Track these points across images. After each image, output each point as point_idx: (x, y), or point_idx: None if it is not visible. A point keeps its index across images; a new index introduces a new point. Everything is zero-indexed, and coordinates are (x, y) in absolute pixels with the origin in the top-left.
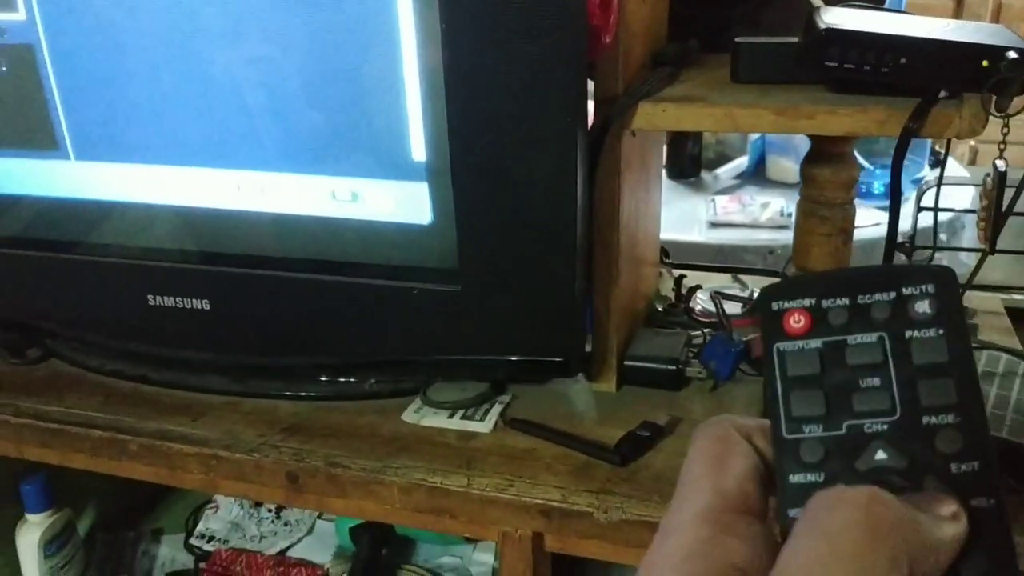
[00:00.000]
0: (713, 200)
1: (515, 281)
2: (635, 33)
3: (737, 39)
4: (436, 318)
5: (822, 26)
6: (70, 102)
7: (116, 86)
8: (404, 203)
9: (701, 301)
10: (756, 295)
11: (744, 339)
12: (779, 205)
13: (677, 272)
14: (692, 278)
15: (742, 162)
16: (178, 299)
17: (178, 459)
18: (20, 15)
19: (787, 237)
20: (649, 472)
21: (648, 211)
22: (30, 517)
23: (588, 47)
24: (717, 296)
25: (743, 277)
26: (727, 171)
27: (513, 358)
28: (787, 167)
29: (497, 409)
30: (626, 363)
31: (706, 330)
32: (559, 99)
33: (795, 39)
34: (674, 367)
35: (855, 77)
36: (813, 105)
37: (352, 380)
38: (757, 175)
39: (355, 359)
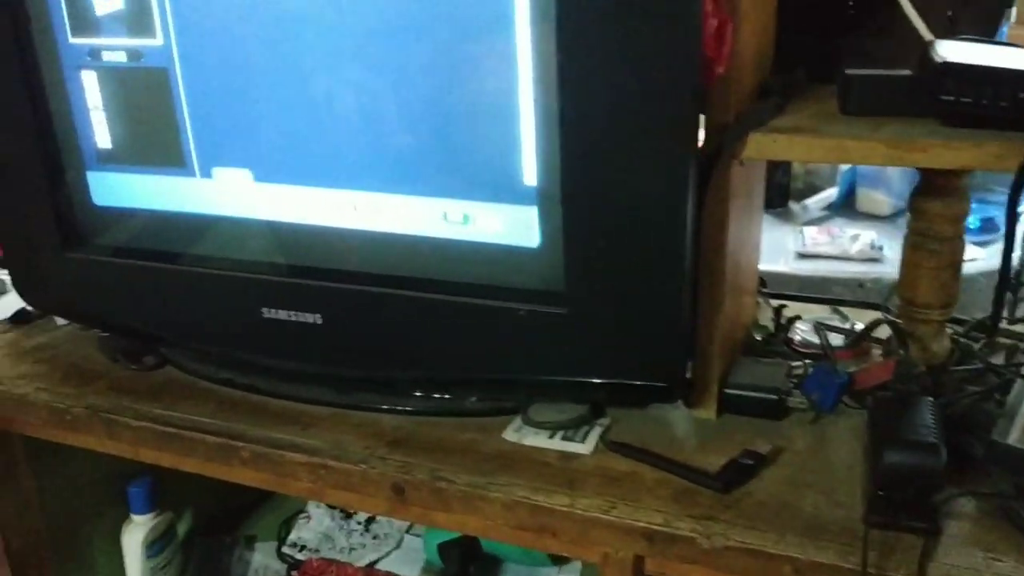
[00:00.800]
0: (802, 231)
1: (621, 306)
2: (745, 63)
3: (847, 70)
4: (540, 339)
5: (938, 60)
6: (198, 123)
7: (241, 108)
8: (513, 226)
9: (801, 332)
10: (859, 328)
11: (848, 371)
12: (869, 237)
13: (775, 302)
14: (790, 308)
15: (831, 193)
16: (291, 312)
17: (288, 467)
18: (158, 40)
19: (878, 270)
20: (751, 500)
21: (749, 240)
22: (135, 518)
23: (702, 77)
24: (820, 327)
25: (842, 309)
26: (816, 202)
27: (616, 381)
28: (878, 199)
29: (597, 431)
30: (727, 391)
31: (807, 361)
32: (672, 127)
33: (906, 72)
34: (775, 396)
35: (971, 111)
36: (927, 138)
37: (454, 397)
38: (846, 207)
39: (458, 376)
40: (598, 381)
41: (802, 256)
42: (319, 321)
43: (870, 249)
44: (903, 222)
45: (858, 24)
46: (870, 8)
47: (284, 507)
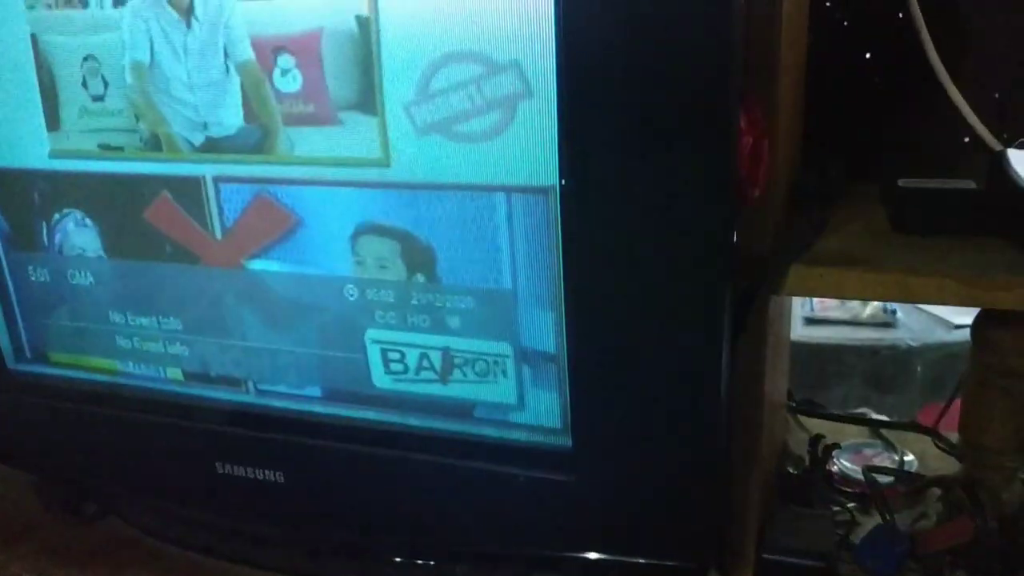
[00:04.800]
0: None
1: (641, 469)
2: (780, 178)
3: (900, 183)
4: (541, 507)
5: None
6: None
7: None
8: None
9: (841, 464)
10: (909, 461)
11: (907, 528)
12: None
13: (811, 428)
14: (816, 425)
15: None
16: (249, 469)
17: None
18: None
19: (891, 336)
20: None
21: (781, 360)
22: None
23: (737, 202)
24: (869, 473)
25: (886, 432)
26: None
27: (635, 560)
28: None
29: None
30: (765, 556)
31: (851, 505)
32: (705, 263)
33: (971, 185)
34: (824, 564)
35: None
36: (1008, 274)
37: (439, 566)
38: None
39: (442, 548)
40: (613, 558)
41: (810, 322)
42: (281, 480)
43: (883, 313)
44: None
45: (893, 106)
46: (906, 88)
47: None
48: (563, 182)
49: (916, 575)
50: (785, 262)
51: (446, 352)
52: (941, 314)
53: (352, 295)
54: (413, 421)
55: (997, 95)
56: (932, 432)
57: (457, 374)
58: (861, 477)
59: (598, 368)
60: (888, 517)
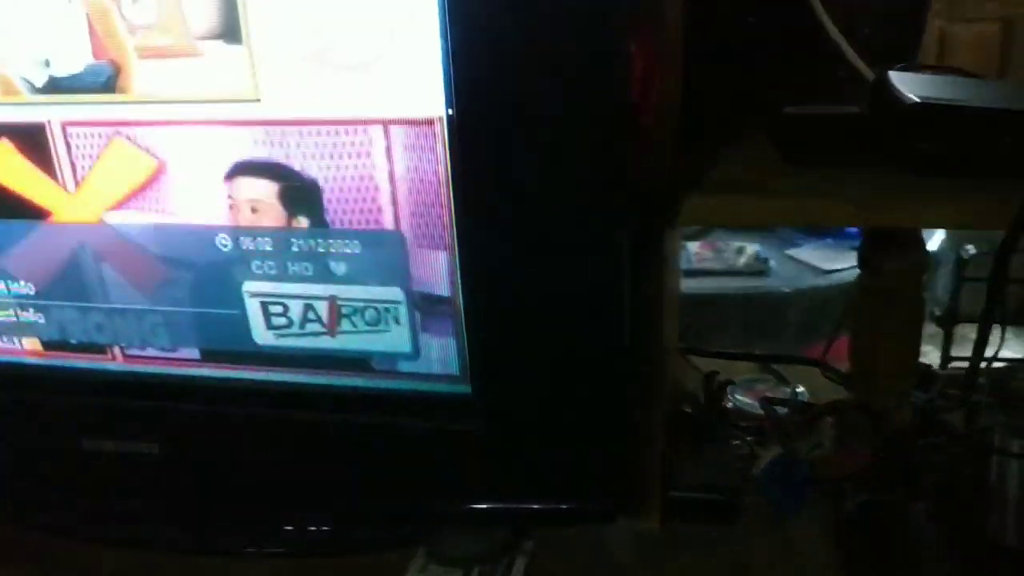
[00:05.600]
0: (685, 246)
1: (544, 413)
2: (669, 107)
3: (787, 109)
4: (444, 460)
5: (909, 100)
6: None
7: None
8: None
9: (736, 400)
10: (801, 392)
11: (806, 457)
12: (754, 249)
13: (701, 366)
14: (707, 365)
15: None
16: (119, 443)
17: None
18: None
19: (765, 284)
20: None
21: (672, 300)
22: None
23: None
24: (767, 404)
25: (777, 367)
26: None
27: (544, 505)
28: None
29: (521, 563)
30: (670, 494)
31: (749, 438)
32: (599, 194)
33: (853, 109)
34: (728, 498)
35: (945, 159)
36: (903, 196)
37: (337, 530)
38: None
39: (342, 509)
40: (521, 506)
41: (688, 273)
42: (155, 451)
43: (756, 262)
44: (783, 231)
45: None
46: (783, 23)
47: None
48: (450, 112)
49: (818, 502)
50: (680, 192)
51: (332, 301)
52: (812, 261)
53: (226, 245)
54: (301, 378)
55: (867, 30)
56: (820, 363)
57: (346, 324)
58: (757, 411)
59: (495, 310)
60: (787, 447)
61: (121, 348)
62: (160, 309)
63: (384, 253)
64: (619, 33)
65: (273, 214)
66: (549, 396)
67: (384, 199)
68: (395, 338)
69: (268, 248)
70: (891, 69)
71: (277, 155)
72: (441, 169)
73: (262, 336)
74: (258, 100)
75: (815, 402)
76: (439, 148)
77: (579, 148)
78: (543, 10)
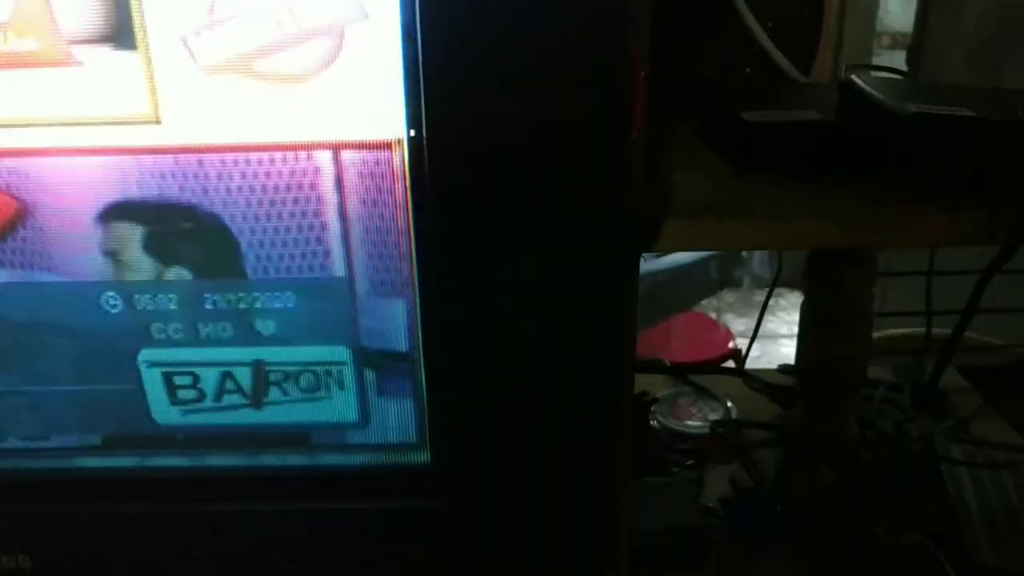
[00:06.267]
0: None
1: (521, 482)
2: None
3: (745, 116)
4: (405, 543)
5: (906, 111)
6: None
7: None
8: None
9: (662, 420)
10: (730, 408)
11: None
12: None
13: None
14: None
15: None
16: None
17: None
18: None
19: (667, 262)
20: None
21: None
22: None
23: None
24: (716, 427)
25: (695, 378)
26: None
27: None
28: None
29: None
30: (638, 543)
31: (689, 463)
32: (597, 231)
33: (815, 115)
34: (700, 542)
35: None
36: (895, 213)
37: None
38: None
39: None
40: None
41: None
42: (28, 565)
43: None
44: None
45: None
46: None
47: None
48: (412, 133)
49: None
50: (660, 215)
51: (258, 367)
52: None
53: (115, 306)
54: (214, 461)
55: (770, 24)
56: (743, 373)
57: (275, 394)
58: (688, 431)
59: (464, 364)
60: (748, 475)
61: None
62: (24, 389)
63: (327, 305)
64: (615, 38)
65: (177, 265)
66: (527, 462)
67: (332, 239)
68: (338, 405)
69: (172, 307)
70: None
71: (185, 192)
72: (401, 201)
73: (164, 414)
74: (158, 122)
75: (750, 419)
76: (397, 175)
77: (568, 173)
78: (529, 9)
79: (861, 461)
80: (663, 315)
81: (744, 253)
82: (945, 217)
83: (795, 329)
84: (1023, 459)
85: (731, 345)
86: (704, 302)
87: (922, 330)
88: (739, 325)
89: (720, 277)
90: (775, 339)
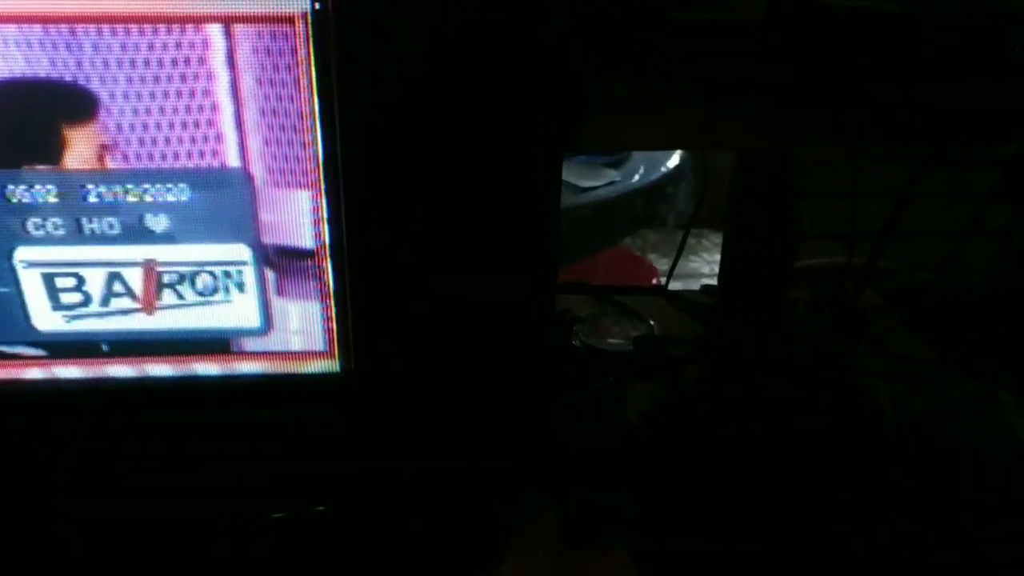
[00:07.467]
0: None
1: (439, 389)
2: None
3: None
4: (312, 454)
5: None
6: None
7: None
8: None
9: (584, 338)
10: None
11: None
12: None
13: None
14: None
15: None
16: None
17: None
18: None
19: (590, 196)
20: None
21: None
22: None
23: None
24: (642, 343)
25: (619, 298)
26: None
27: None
28: None
29: None
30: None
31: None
32: (520, 112)
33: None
34: (619, 456)
35: None
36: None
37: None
38: None
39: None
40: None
41: None
42: None
43: None
44: None
45: None
46: None
47: None
48: (317, 7)
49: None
50: (583, 112)
51: (150, 267)
52: (569, 179)
53: None
54: (113, 371)
55: None
56: (666, 292)
57: (169, 297)
58: (611, 350)
59: (375, 262)
60: (678, 392)
61: None
62: None
63: (222, 197)
64: None
65: (60, 151)
66: (442, 369)
67: (224, 123)
68: (237, 309)
69: (52, 200)
70: None
71: (63, 66)
72: (304, 81)
73: (47, 320)
74: None
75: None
76: (301, 53)
77: (489, 55)
78: None
79: (784, 373)
80: (587, 252)
81: (669, 189)
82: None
83: (716, 268)
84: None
85: (655, 281)
86: (628, 240)
87: (840, 259)
88: (662, 265)
89: (644, 214)
90: (697, 278)
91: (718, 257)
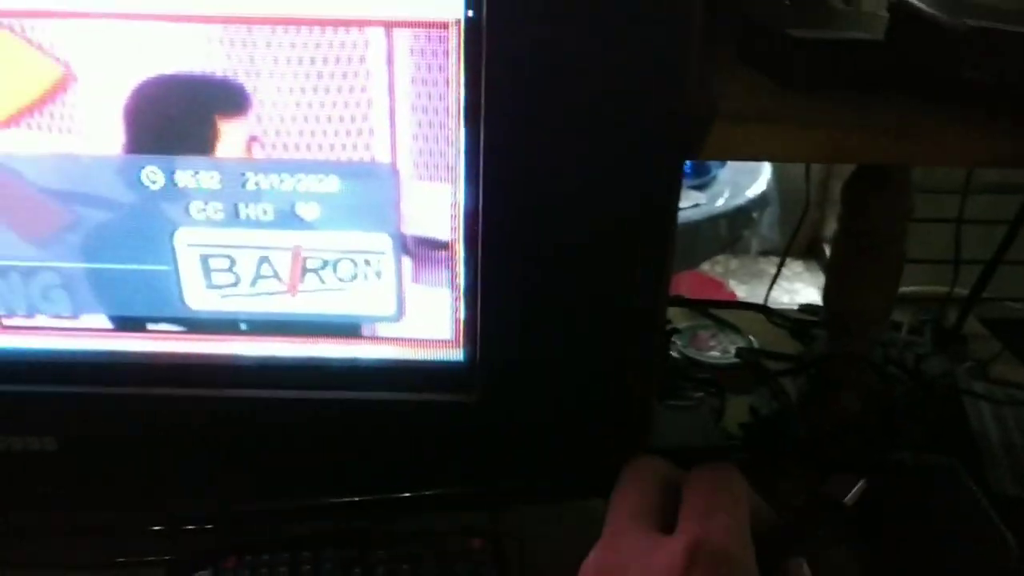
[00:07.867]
0: None
1: (556, 383)
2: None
3: (793, 33)
4: (436, 440)
5: (961, 26)
6: None
7: None
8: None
9: (682, 349)
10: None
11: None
12: None
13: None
14: None
15: None
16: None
17: None
18: None
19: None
20: None
21: None
22: None
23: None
24: (746, 353)
25: (716, 311)
26: None
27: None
28: None
29: None
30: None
31: (712, 391)
32: (654, 127)
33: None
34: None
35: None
36: (939, 128)
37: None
38: None
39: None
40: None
41: None
42: (52, 447)
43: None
44: None
45: None
46: None
47: None
48: (470, 14)
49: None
50: (708, 120)
51: (297, 252)
52: None
53: (155, 181)
54: (250, 351)
55: None
56: (764, 309)
57: (312, 281)
58: (709, 362)
59: (505, 254)
60: (778, 404)
61: None
62: (56, 265)
63: (370, 189)
64: None
65: (223, 139)
66: (559, 362)
67: (378, 120)
68: (374, 296)
69: (214, 185)
70: None
71: (235, 62)
72: (453, 82)
73: (199, 298)
74: None
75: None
76: (452, 58)
77: (625, 67)
78: None
79: (886, 390)
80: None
81: (754, 214)
82: (984, 135)
83: (797, 299)
84: None
85: None
86: (705, 266)
87: (944, 288)
88: (741, 291)
89: (729, 237)
90: (776, 307)
91: (798, 286)
